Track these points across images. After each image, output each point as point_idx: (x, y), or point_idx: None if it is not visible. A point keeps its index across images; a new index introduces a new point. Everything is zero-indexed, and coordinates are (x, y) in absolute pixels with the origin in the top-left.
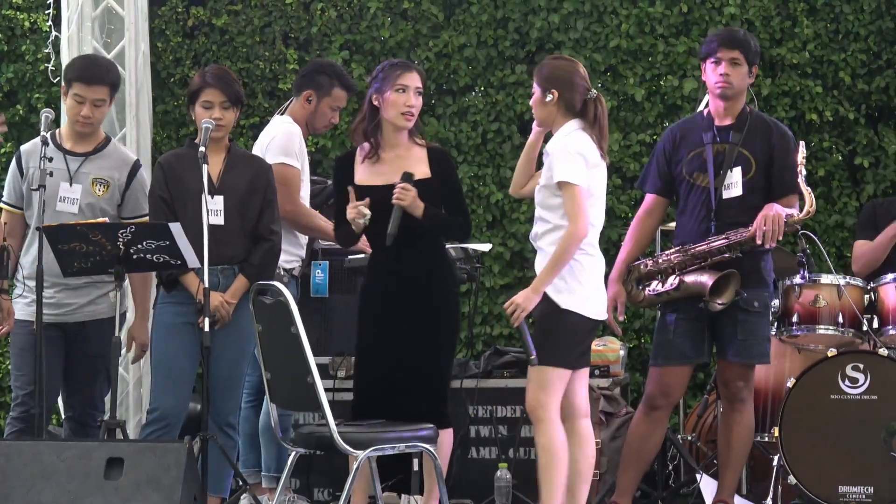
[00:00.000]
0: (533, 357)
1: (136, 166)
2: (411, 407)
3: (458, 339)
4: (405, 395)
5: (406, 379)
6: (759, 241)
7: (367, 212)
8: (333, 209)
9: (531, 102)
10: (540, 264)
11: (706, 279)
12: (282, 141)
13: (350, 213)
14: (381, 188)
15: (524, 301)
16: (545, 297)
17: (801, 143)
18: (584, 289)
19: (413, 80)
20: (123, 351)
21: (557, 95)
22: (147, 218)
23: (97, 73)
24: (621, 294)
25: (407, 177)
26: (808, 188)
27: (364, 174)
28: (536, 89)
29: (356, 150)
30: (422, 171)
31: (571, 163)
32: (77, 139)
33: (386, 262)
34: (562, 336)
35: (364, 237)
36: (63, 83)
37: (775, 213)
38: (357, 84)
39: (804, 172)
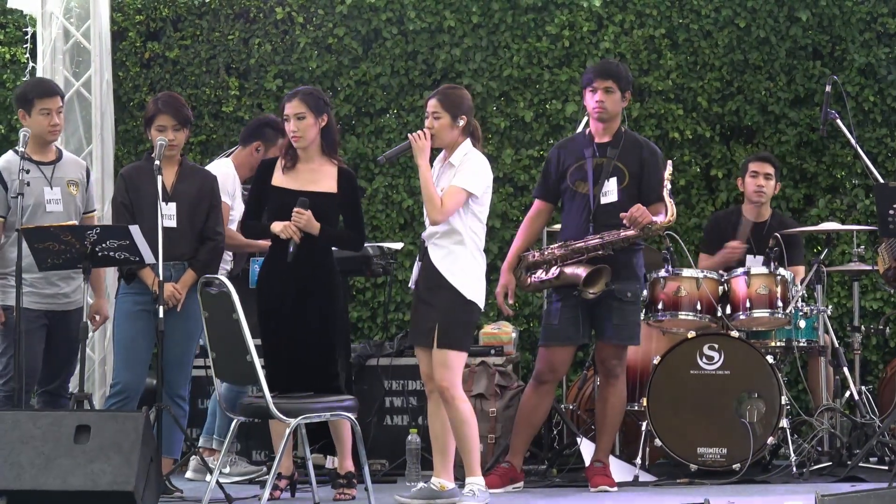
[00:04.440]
0: (382, 158)
1: (87, 169)
2: (308, 382)
3: (347, 324)
4: (301, 372)
5: (302, 360)
6: (625, 223)
7: (297, 239)
8: (247, 201)
9: (437, 126)
10: (438, 259)
11: (581, 271)
12: (220, 181)
13: (285, 231)
14: (292, 192)
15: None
16: (452, 288)
17: (669, 161)
18: (482, 284)
19: (290, 108)
20: (90, 333)
21: (466, 120)
22: (95, 212)
23: (52, 87)
24: (512, 282)
25: (302, 202)
26: (671, 199)
27: (280, 179)
28: (444, 115)
29: (278, 158)
30: (329, 185)
31: (476, 178)
32: (41, 152)
33: (281, 262)
34: (465, 324)
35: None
36: (22, 108)
37: (642, 208)
38: None
39: (669, 186)
